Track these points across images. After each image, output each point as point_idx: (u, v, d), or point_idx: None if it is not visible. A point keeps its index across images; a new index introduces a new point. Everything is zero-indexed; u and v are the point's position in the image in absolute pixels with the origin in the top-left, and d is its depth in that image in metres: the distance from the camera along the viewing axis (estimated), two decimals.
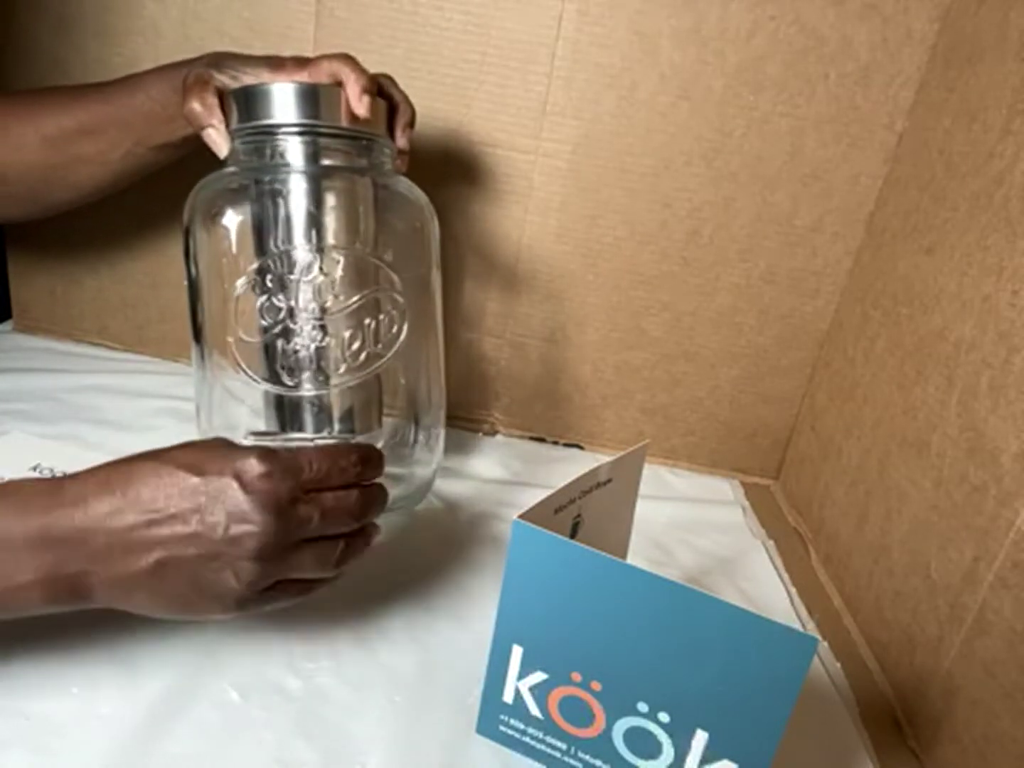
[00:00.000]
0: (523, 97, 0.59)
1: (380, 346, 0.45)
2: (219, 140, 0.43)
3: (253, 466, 0.31)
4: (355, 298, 0.43)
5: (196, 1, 0.58)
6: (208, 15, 0.59)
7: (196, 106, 0.43)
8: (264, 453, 0.32)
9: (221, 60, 0.45)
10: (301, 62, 0.45)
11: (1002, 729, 0.34)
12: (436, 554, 0.50)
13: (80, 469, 0.33)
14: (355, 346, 0.43)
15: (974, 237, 0.44)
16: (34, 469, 0.50)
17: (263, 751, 0.34)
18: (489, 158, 0.60)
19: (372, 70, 0.44)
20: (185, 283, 0.45)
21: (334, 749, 0.35)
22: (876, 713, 0.43)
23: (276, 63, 0.45)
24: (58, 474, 0.50)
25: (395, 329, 0.45)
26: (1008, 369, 0.38)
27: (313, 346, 0.42)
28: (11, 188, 0.50)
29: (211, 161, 0.44)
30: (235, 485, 0.31)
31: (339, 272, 0.43)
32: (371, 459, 0.36)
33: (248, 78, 0.44)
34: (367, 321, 0.44)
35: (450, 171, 0.60)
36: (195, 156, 0.49)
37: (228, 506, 0.31)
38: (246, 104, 0.42)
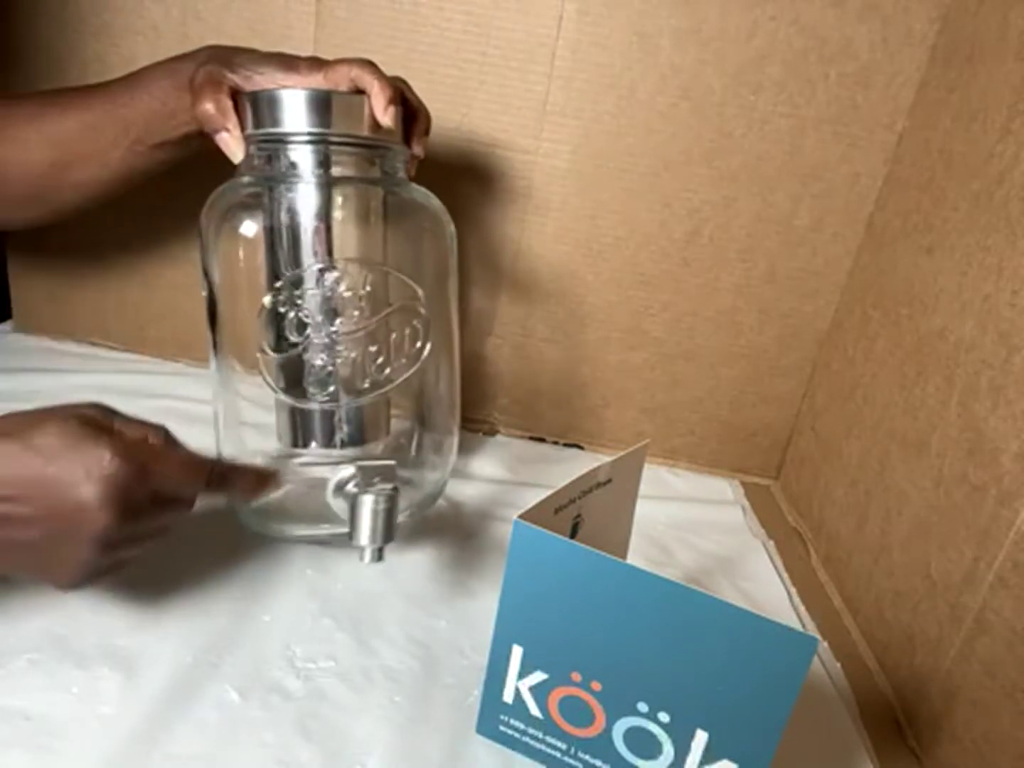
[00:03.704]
0: (523, 97, 0.59)
1: (404, 360, 0.44)
2: (234, 145, 0.42)
3: (104, 459, 0.32)
4: (381, 313, 0.43)
5: (197, 0, 0.58)
6: (208, 15, 0.59)
7: (209, 108, 0.41)
8: (118, 447, 0.32)
9: (230, 57, 0.44)
10: (316, 64, 0.43)
11: (1002, 729, 0.34)
12: (436, 554, 0.50)
13: None
14: (379, 360, 0.43)
15: (974, 237, 0.44)
16: None
17: (263, 751, 0.34)
18: (489, 158, 0.60)
19: None
20: (204, 295, 0.44)
21: (334, 749, 0.35)
22: (876, 713, 0.43)
23: (290, 63, 0.44)
24: None
25: (418, 344, 0.44)
26: (1008, 369, 0.38)
27: (339, 361, 0.42)
28: (13, 189, 0.49)
29: (215, 163, 0.43)
30: (82, 476, 0.32)
31: (365, 287, 0.42)
32: (214, 480, 0.37)
33: (261, 78, 0.43)
34: (392, 335, 0.43)
35: (450, 171, 0.60)
36: (198, 156, 0.49)
37: (74, 495, 0.31)
38: (264, 110, 0.40)
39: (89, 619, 0.39)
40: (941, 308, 0.46)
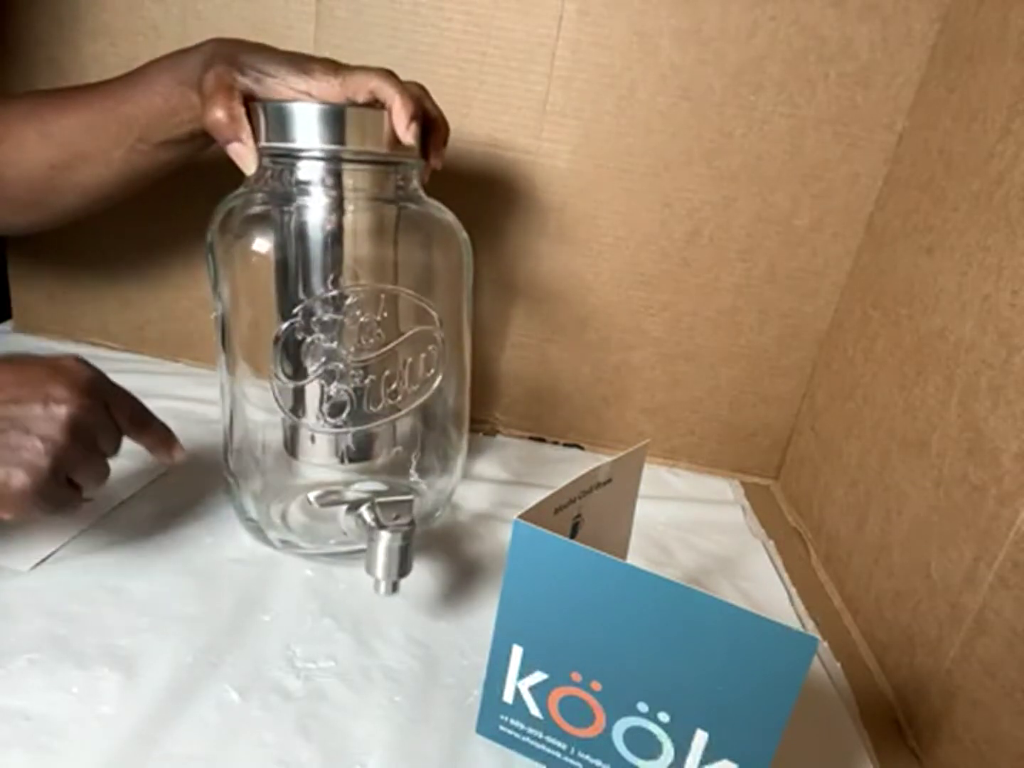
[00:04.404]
0: (523, 97, 0.59)
1: (417, 386, 0.44)
2: (247, 156, 0.40)
3: (74, 364, 0.37)
4: (397, 340, 0.42)
5: (196, 0, 0.58)
6: (208, 14, 0.59)
7: (221, 116, 0.40)
8: (83, 361, 0.37)
9: (237, 54, 0.42)
10: (332, 68, 0.42)
11: (1002, 729, 0.34)
12: (436, 554, 0.50)
13: None
14: (394, 386, 0.43)
15: (974, 237, 0.44)
16: None
17: (263, 751, 0.34)
18: (489, 158, 0.60)
19: None
20: (214, 315, 0.43)
21: (334, 749, 0.35)
22: (876, 713, 0.43)
23: (303, 66, 0.42)
24: None
25: (432, 371, 0.44)
26: (1008, 369, 0.38)
27: (353, 387, 0.42)
28: (13, 191, 0.48)
29: (217, 164, 0.42)
30: (57, 373, 0.36)
31: (383, 313, 0.41)
32: (152, 421, 0.40)
33: (273, 81, 0.41)
34: (408, 360, 0.43)
35: (449, 172, 0.60)
36: (200, 159, 0.49)
37: (48, 390, 0.35)
38: (281, 124, 0.39)
39: (89, 619, 0.39)
40: (941, 308, 0.46)
